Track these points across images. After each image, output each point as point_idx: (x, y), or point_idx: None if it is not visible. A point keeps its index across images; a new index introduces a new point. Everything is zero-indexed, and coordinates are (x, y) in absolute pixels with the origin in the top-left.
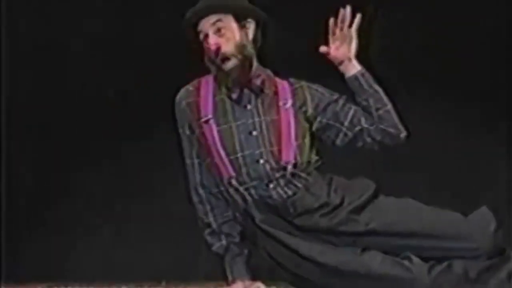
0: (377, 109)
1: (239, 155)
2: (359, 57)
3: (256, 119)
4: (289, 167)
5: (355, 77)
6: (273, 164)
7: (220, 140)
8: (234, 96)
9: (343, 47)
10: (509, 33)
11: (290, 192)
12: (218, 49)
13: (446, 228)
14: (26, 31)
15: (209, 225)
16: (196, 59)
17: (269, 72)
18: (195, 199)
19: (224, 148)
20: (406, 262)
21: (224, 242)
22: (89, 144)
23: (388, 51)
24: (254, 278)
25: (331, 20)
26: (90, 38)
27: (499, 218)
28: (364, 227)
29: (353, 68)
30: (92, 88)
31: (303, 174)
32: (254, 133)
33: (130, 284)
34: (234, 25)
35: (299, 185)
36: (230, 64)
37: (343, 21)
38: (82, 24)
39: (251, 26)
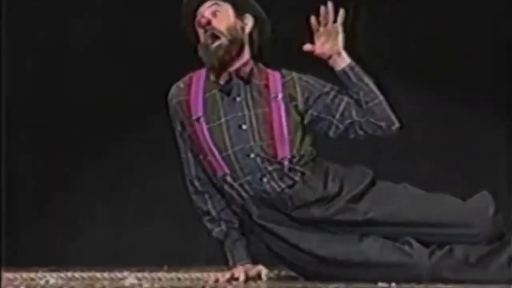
0: (367, 102)
1: (230, 151)
2: (349, 52)
3: (246, 113)
4: (286, 162)
5: (343, 71)
6: (265, 157)
7: (211, 138)
8: (222, 81)
9: (328, 42)
10: (509, 32)
11: (284, 186)
12: (209, 22)
13: (445, 215)
14: (26, 31)
15: (208, 212)
16: (196, 59)
17: (260, 65)
18: (191, 190)
19: (216, 146)
20: (406, 248)
21: (223, 227)
22: (89, 141)
23: (388, 50)
24: (255, 262)
25: (313, 18)
26: (90, 38)
27: (498, 202)
28: (362, 216)
29: (342, 62)
30: (92, 88)
31: (298, 167)
32: (244, 127)
33: (132, 268)
34: (231, 12)
35: (296, 178)
36: (218, 42)
37: (326, 17)
38: (82, 24)
39: (248, 23)
